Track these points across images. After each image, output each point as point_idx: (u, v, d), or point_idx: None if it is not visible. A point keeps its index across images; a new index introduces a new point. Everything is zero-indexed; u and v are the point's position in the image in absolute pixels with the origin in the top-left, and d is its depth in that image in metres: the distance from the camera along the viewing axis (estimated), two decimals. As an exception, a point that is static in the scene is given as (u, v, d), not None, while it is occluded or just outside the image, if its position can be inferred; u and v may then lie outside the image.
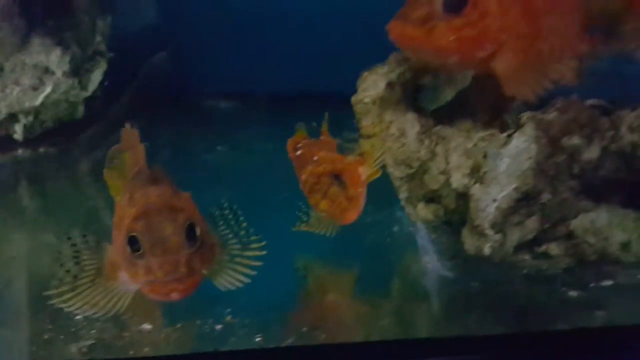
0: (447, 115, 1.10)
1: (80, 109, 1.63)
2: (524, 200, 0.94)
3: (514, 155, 0.91)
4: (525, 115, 0.93)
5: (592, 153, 0.92)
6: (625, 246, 1.00)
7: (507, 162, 0.91)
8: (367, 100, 1.08)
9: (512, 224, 0.96)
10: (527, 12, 0.90)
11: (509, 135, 0.92)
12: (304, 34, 1.96)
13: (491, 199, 0.92)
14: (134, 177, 0.78)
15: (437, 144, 1.06)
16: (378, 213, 1.20)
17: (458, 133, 1.05)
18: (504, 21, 0.88)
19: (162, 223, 0.69)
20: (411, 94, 1.06)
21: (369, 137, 1.07)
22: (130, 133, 0.86)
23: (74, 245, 0.75)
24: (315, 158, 0.99)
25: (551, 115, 0.91)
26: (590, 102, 0.94)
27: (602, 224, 1.00)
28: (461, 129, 1.06)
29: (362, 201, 1.00)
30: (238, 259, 0.80)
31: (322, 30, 1.95)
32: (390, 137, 1.04)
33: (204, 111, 2.09)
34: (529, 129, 0.91)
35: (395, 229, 1.15)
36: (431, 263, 1.04)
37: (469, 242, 0.95)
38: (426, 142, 1.05)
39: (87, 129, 1.68)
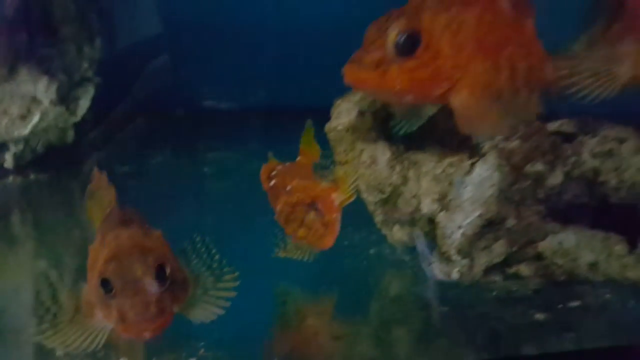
0: (419, 140, 1.13)
1: (70, 134, 1.67)
2: (490, 226, 0.97)
3: (478, 183, 0.94)
4: (487, 145, 0.96)
5: (555, 179, 0.96)
6: (593, 266, 1.03)
7: (471, 190, 0.94)
8: (340, 128, 1.11)
9: (479, 248, 0.99)
10: (482, 49, 0.93)
11: (473, 164, 0.95)
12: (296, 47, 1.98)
13: (456, 225, 0.95)
14: (105, 219, 0.81)
15: (409, 169, 1.09)
16: (357, 234, 1.24)
17: (429, 158, 1.08)
18: (458, 60, 0.90)
19: (133, 265, 0.72)
20: (382, 121, 1.09)
21: (342, 164, 1.10)
22: (99, 177, 0.89)
23: (51, 284, 0.79)
24: (288, 188, 1.02)
25: (513, 143, 0.95)
26: (552, 127, 0.97)
27: (570, 245, 1.03)
28: (432, 154, 1.09)
29: (337, 226, 1.02)
30: (211, 292, 0.84)
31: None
32: (363, 164, 1.07)
33: (197, 125, 2.12)
34: (491, 158, 0.94)
35: (372, 251, 1.18)
36: (405, 286, 1.07)
37: (438, 268, 0.98)
38: (398, 167, 1.08)
39: (78, 153, 1.72)
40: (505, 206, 0.96)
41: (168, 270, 0.74)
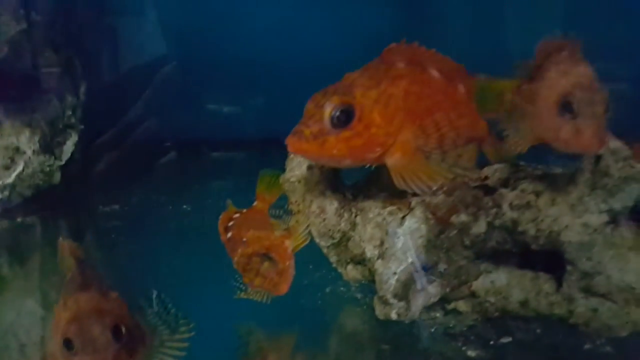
0: (368, 188, 1.23)
1: (57, 175, 1.78)
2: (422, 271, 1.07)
3: (408, 234, 1.04)
4: (414, 200, 1.06)
5: (479, 228, 1.05)
6: (523, 304, 1.13)
7: (402, 240, 1.04)
8: (292, 179, 1.22)
9: (415, 291, 1.09)
10: (412, 116, 1.04)
11: (403, 217, 1.05)
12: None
13: (392, 272, 1.05)
14: (66, 284, 0.92)
15: (356, 215, 1.19)
16: (317, 272, 1.34)
17: (374, 205, 1.18)
18: (389, 128, 1.02)
19: (91, 326, 0.82)
20: (330, 174, 1.19)
21: (295, 212, 1.20)
22: (62, 244, 1.00)
23: (19, 341, 0.89)
24: (244, 239, 1.11)
25: (438, 197, 1.05)
26: (475, 183, 1.07)
27: (501, 284, 1.13)
28: (377, 201, 1.19)
29: (291, 273, 1.11)
30: (168, 344, 0.94)
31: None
32: (312, 213, 1.17)
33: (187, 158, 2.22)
34: (418, 212, 1.04)
35: (329, 289, 1.28)
36: (353, 323, 1.17)
37: (378, 309, 1.08)
38: (346, 215, 1.18)
39: (66, 193, 1.83)
40: (435, 253, 1.06)
41: (124, 329, 0.85)
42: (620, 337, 1.08)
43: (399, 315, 1.08)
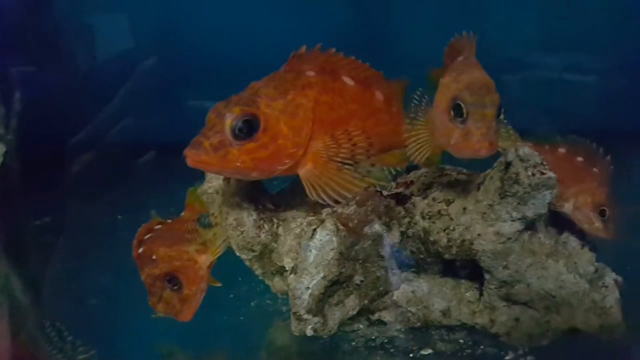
0: (292, 196, 1.19)
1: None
2: (337, 285, 1.04)
3: (319, 247, 1.00)
4: (325, 212, 1.02)
5: (393, 238, 1.02)
6: (445, 313, 1.10)
7: (314, 254, 1.00)
8: (210, 191, 1.17)
9: (331, 304, 1.05)
10: (323, 126, 1.01)
11: (314, 229, 1.01)
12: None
13: (304, 287, 1.01)
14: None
15: (278, 225, 1.15)
16: (245, 285, 1.30)
17: (297, 214, 1.14)
18: (297, 139, 0.98)
19: None
20: (248, 184, 1.15)
21: (214, 225, 1.16)
22: None
23: None
24: (153, 257, 1.07)
25: (350, 209, 1.01)
26: (387, 192, 1.04)
27: (422, 294, 1.10)
28: (300, 210, 1.15)
29: (198, 299, 1.06)
30: None
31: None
32: (230, 226, 1.12)
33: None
34: (329, 224, 1.00)
35: (254, 302, 1.24)
36: (272, 338, 1.13)
37: (293, 325, 1.04)
38: (266, 226, 1.13)
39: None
40: (349, 266, 1.02)
41: None
42: (542, 346, 1.07)
43: (315, 331, 1.04)
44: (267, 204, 1.17)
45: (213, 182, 1.18)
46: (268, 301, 1.25)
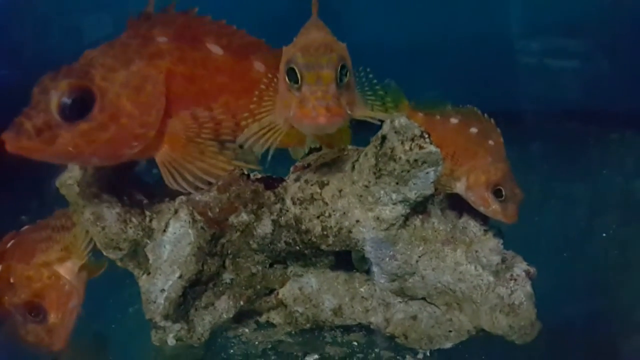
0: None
1: None
2: (202, 284, 0.89)
3: (174, 242, 0.86)
4: (178, 200, 0.88)
5: (265, 228, 0.88)
6: (337, 311, 0.96)
7: (168, 250, 0.86)
8: (70, 182, 1.02)
9: (198, 308, 0.91)
10: (182, 102, 0.86)
11: (167, 221, 0.87)
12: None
13: (158, 289, 0.86)
14: None
15: (152, 219, 1.00)
16: (129, 289, 1.15)
17: (172, 206, 1.00)
18: (146, 118, 0.83)
19: None
20: (109, 171, 1.00)
21: (71, 226, 1.01)
22: None
23: None
24: (11, 280, 0.92)
25: (209, 195, 0.86)
26: (256, 176, 0.90)
27: (310, 291, 0.96)
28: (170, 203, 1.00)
29: (67, 323, 0.94)
30: None
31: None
32: (87, 221, 0.97)
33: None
34: (183, 214, 0.86)
35: (132, 309, 1.09)
36: (141, 349, 0.99)
37: (152, 335, 0.89)
38: (134, 220, 0.98)
39: None
40: (214, 262, 0.88)
41: None
42: (445, 349, 0.93)
43: (179, 339, 0.89)
44: (136, 195, 1.02)
45: (74, 172, 1.02)
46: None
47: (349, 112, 0.75)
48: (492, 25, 1.97)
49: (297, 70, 0.72)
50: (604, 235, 1.41)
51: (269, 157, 0.91)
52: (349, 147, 0.99)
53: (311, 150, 1.04)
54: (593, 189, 1.71)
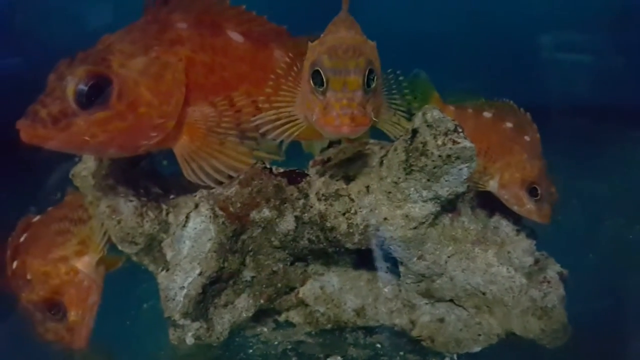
0: (185, 179, 1.01)
1: None
2: (222, 282, 0.86)
3: (194, 237, 0.83)
4: (199, 194, 0.84)
5: (287, 225, 0.84)
6: (359, 312, 0.93)
7: (189, 246, 0.83)
8: (84, 173, 0.99)
9: (218, 306, 0.88)
10: (202, 92, 0.83)
11: (187, 216, 0.84)
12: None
13: (178, 287, 0.83)
14: None
15: (168, 212, 0.97)
16: (145, 284, 1.12)
17: (190, 199, 0.97)
18: (166, 108, 0.79)
19: None
20: (126, 162, 0.97)
21: (87, 219, 0.98)
22: None
23: None
24: (28, 276, 0.90)
25: (231, 190, 0.83)
26: (278, 170, 0.87)
27: (332, 290, 0.92)
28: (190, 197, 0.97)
29: (88, 320, 0.92)
30: None
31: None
32: (102, 214, 0.94)
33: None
34: (203, 209, 0.82)
35: (147, 305, 1.06)
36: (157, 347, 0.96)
37: (171, 333, 0.86)
38: (151, 214, 0.95)
39: None
40: (235, 259, 0.85)
41: None
42: (473, 353, 0.89)
43: (198, 338, 0.86)
44: (152, 188, 0.99)
45: (89, 163, 0.99)
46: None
47: (373, 118, 0.71)
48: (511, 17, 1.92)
49: (322, 74, 0.68)
50: (631, 237, 1.37)
51: (283, 149, 0.88)
52: (370, 140, 0.96)
53: (330, 144, 1.01)
54: (614, 188, 1.66)
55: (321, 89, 0.69)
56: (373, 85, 0.69)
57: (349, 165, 0.83)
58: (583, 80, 2.01)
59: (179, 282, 0.83)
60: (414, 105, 0.89)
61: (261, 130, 0.79)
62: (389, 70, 0.80)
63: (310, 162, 0.97)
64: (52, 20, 1.99)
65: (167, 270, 0.84)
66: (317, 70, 0.69)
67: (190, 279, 0.82)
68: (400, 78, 0.81)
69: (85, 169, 1.01)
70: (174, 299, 0.83)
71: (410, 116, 0.84)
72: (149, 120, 0.80)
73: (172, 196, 0.98)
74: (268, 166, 0.85)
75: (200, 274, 0.82)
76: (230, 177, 0.84)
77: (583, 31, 1.97)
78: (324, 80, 0.68)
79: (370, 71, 0.68)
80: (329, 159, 0.96)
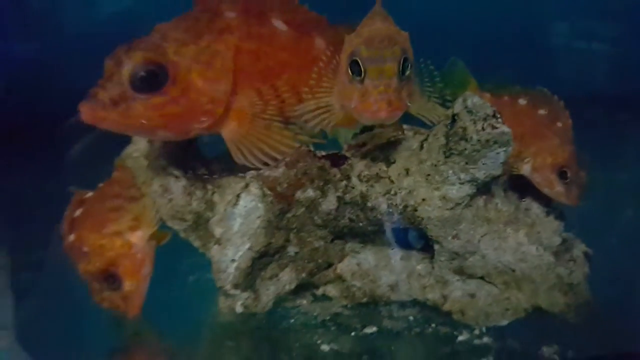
0: (228, 161, 1.07)
1: None
2: (269, 256, 0.93)
3: (244, 215, 0.89)
4: (249, 175, 0.90)
5: (329, 204, 0.90)
6: (393, 287, 0.99)
7: (239, 222, 0.89)
8: (136, 154, 1.05)
9: (264, 278, 0.94)
10: (249, 79, 0.88)
11: (238, 195, 0.90)
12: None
13: (229, 259, 0.90)
14: None
15: (214, 192, 1.03)
16: (188, 259, 1.19)
17: (234, 180, 1.02)
18: (215, 94, 0.85)
19: None
20: (175, 145, 1.03)
21: (140, 197, 1.04)
22: None
23: None
24: (85, 249, 0.96)
25: (278, 171, 0.89)
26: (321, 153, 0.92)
27: (368, 267, 0.99)
28: (236, 177, 1.03)
29: (141, 290, 0.97)
30: None
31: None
32: (154, 193, 1.01)
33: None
34: (254, 188, 0.88)
35: (192, 278, 1.13)
36: (205, 315, 1.03)
37: (222, 303, 0.93)
38: (198, 193, 1.02)
39: None
40: (281, 235, 0.91)
41: None
42: (500, 326, 0.95)
43: (246, 307, 0.93)
44: (199, 169, 1.05)
45: (139, 144, 1.06)
46: (208, 275, 1.14)
47: (408, 104, 0.76)
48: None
49: (360, 63, 0.73)
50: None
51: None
52: (404, 126, 1.01)
53: (363, 130, 1.06)
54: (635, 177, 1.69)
55: (359, 78, 0.74)
56: (407, 72, 0.74)
57: (389, 149, 0.89)
58: (602, 69, 2.03)
59: (230, 256, 0.90)
60: (448, 92, 0.94)
61: (302, 119, 0.84)
62: (421, 60, 0.85)
63: (345, 146, 1.03)
64: (68, 5, 2.05)
65: (220, 244, 0.91)
66: (355, 60, 0.74)
67: (240, 253, 0.89)
68: (431, 67, 0.86)
69: (136, 150, 1.08)
70: (225, 271, 0.90)
71: (442, 102, 0.89)
72: (200, 106, 0.85)
73: (215, 177, 1.05)
74: (312, 149, 0.91)
75: (249, 248, 0.89)
76: (275, 159, 0.90)
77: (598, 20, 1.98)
78: (362, 69, 0.74)
79: (405, 59, 0.74)
80: (363, 144, 1.02)
